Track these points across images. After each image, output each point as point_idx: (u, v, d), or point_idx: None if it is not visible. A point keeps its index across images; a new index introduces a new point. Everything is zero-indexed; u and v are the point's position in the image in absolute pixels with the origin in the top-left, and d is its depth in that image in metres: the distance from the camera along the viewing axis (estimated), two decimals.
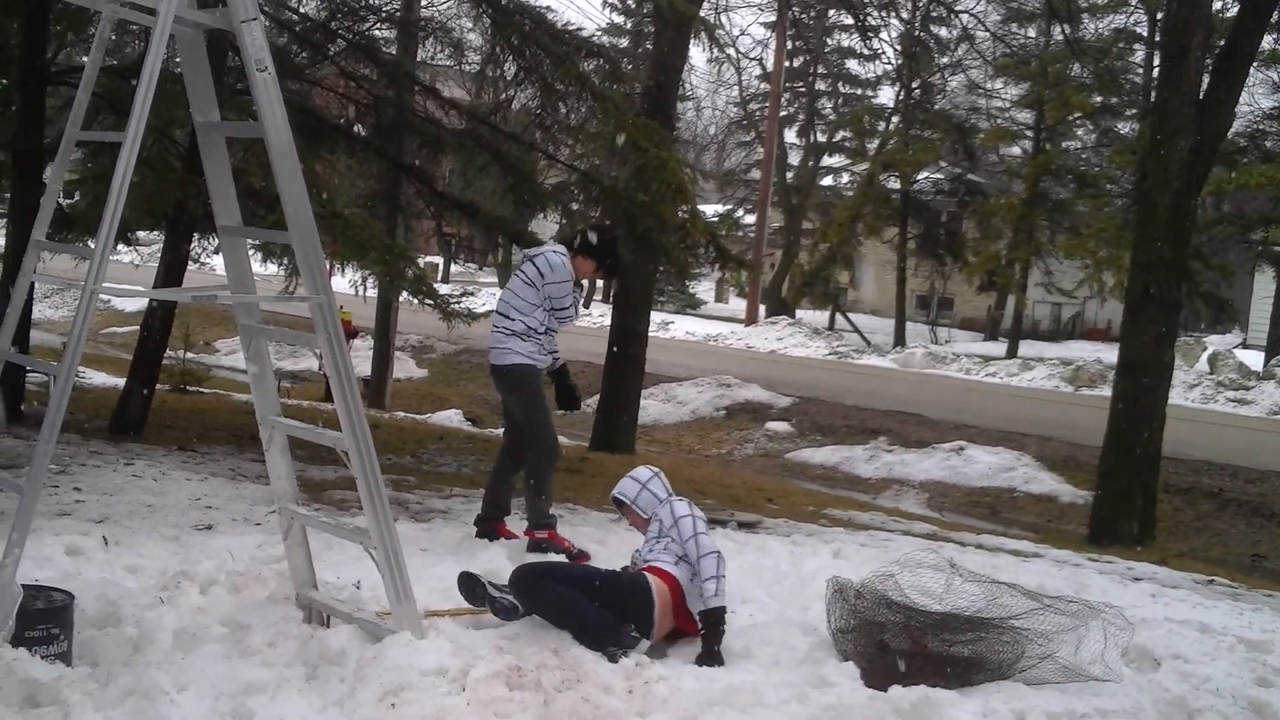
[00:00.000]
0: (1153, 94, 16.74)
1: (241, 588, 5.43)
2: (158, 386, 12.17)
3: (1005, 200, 36.69)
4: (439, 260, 47.47)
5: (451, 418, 19.01)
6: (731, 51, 33.58)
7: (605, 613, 5.28)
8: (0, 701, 4.02)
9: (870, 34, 26.59)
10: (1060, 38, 26.04)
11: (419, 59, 17.64)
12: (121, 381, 12.37)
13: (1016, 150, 39.46)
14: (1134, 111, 32.01)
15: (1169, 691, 5.19)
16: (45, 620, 4.38)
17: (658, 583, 5.50)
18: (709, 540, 5.62)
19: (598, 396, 16.37)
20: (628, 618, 5.34)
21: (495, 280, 49.10)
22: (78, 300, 4.19)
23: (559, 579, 5.41)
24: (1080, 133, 37.26)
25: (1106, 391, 15.76)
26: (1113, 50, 28.65)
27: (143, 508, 7.52)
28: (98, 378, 16.16)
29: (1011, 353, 36.13)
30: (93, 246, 4.21)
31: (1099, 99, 31.62)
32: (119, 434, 10.65)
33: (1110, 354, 21.19)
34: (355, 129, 14.09)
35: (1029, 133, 37.94)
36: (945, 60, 35.80)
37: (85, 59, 6.57)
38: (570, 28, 12.18)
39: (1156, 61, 19.78)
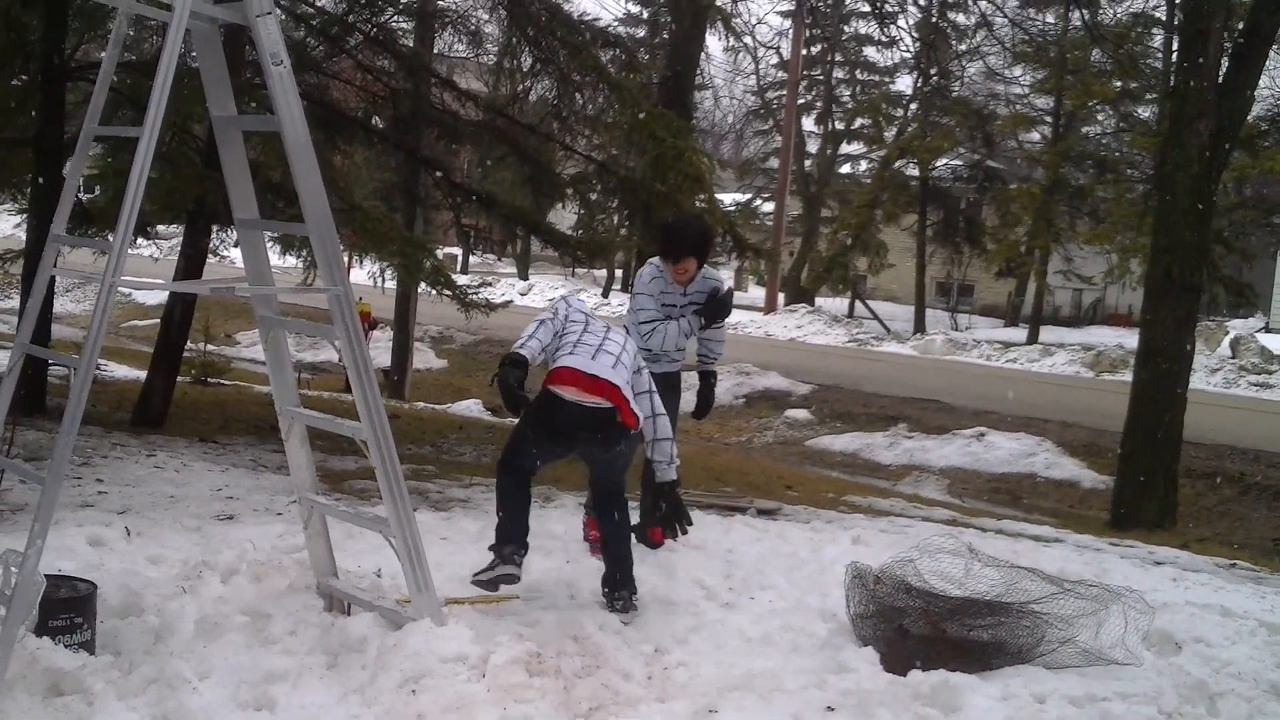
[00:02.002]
0: (1172, 78, 16.64)
1: (263, 577, 5.47)
2: (179, 379, 12.23)
3: (1025, 187, 36.52)
4: (457, 251, 47.44)
5: (471, 408, 19.03)
6: (749, 40, 33.49)
7: (514, 521, 5.57)
8: (24, 690, 4.06)
9: (888, 21, 26.54)
10: (1079, 23, 25.88)
11: (436, 51, 17.66)
12: (143, 374, 12.43)
13: (1036, 136, 39.26)
14: (1154, 96, 31.80)
15: (1190, 675, 5.18)
16: (68, 609, 4.42)
17: (550, 385, 5.61)
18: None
19: None
20: (577, 430, 5.59)
21: (514, 271, 49.08)
22: (98, 294, 4.21)
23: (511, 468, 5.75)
24: (1100, 117, 37.04)
25: (1128, 377, 15.70)
26: (1131, 35, 28.41)
27: (165, 499, 7.57)
28: (119, 370, 16.23)
29: (1032, 339, 35.98)
30: (112, 240, 4.24)
31: (1119, 84, 31.44)
32: (141, 426, 10.71)
33: (1132, 339, 21.05)
34: (373, 121, 14.13)
35: (1048, 119, 37.73)
36: (963, 47, 35.64)
37: (103, 54, 6.61)
38: (586, 18, 12.25)
39: (1176, 45, 19.63)
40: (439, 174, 13.79)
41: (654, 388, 6.04)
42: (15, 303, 18.37)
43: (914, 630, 5.30)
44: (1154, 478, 12.09)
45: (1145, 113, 33.93)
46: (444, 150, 14.90)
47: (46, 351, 5.75)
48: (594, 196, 14.13)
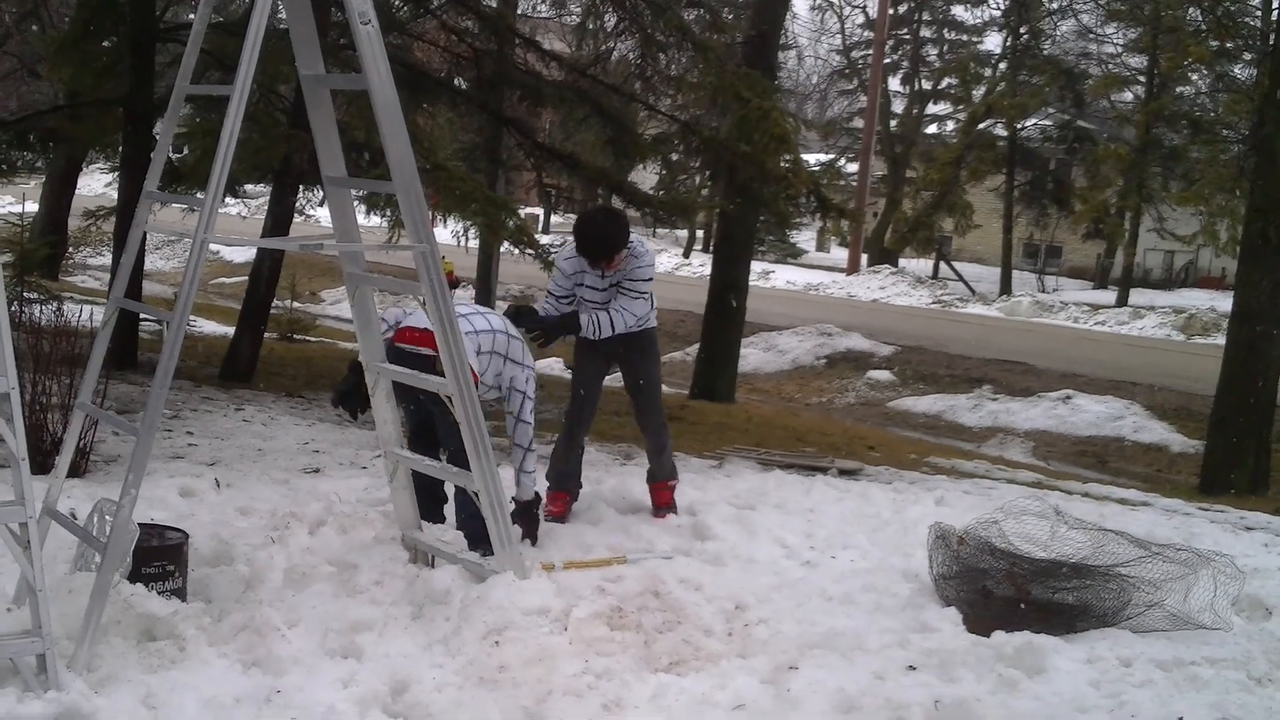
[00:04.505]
0: (1271, 37, 16.17)
1: (349, 529, 5.55)
2: (266, 335, 12.42)
3: (1115, 148, 35.77)
4: (539, 211, 47.54)
5: (552, 366, 19.11)
6: None
7: None
8: (119, 634, 4.17)
9: None
10: None
11: (520, 11, 17.67)
12: (231, 330, 12.64)
13: (1128, 96, 38.40)
14: (1251, 55, 30.95)
15: None
16: (161, 557, 4.53)
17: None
18: None
19: (698, 345, 16.39)
20: None
21: None
22: (188, 251, 4.28)
23: None
24: (1195, 78, 36.14)
25: (1220, 340, 15.37)
26: None
27: (253, 451, 7.71)
28: (208, 326, 16.51)
29: (1122, 301, 35.34)
30: (203, 197, 4.30)
31: (1215, 44, 30.63)
32: (229, 381, 10.91)
33: (1225, 302, 20.63)
34: (456, 82, 14.17)
35: (1141, 78, 36.89)
36: (1054, 4, 34.92)
37: (193, 16, 6.72)
38: None
39: (1276, 3, 19.07)
40: (522, 134, 13.82)
41: (531, 392, 5.97)
42: (108, 259, 18.75)
43: (998, 592, 5.26)
44: (1245, 443, 11.87)
45: (1242, 72, 33.06)
46: (527, 111, 14.90)
47: (140, 306, 5.87)
48: (676, 157, 14.08)
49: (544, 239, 13.52)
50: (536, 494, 6.11)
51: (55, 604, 4.02)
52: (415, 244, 4.80)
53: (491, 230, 11.19)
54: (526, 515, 5.98)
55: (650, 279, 6.59)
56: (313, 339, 17.04)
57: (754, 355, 21.55)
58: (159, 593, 4.42)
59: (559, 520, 6.53)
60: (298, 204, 12.23)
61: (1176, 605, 5.21)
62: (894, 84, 47.18)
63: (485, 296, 21.15)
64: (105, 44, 11.58)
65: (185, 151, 11.25)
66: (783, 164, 11.79)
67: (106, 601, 4.08)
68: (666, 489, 6.95)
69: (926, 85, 46.65)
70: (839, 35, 45.53)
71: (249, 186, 13.41)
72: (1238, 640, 5.09)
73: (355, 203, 5.52)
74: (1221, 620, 5.20)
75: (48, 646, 3.76)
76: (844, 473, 9.18)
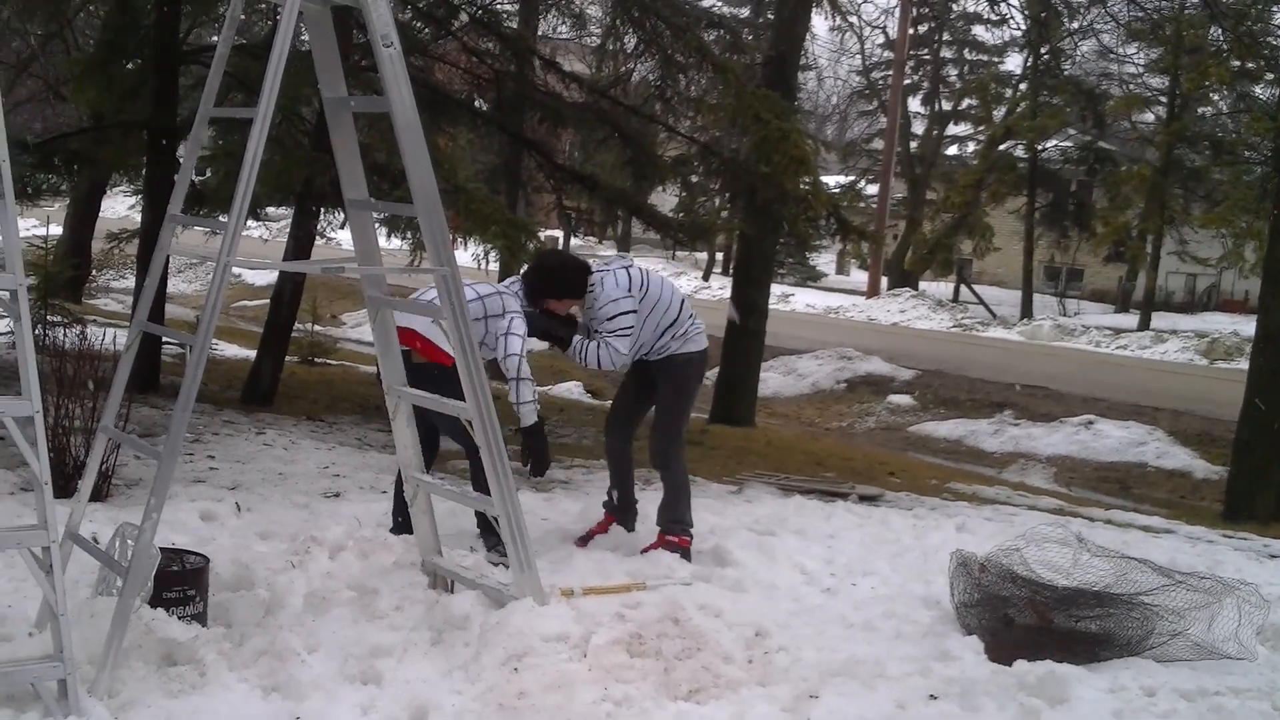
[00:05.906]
0: None
1: (369, 553, 5.54)
2: (287, 358, 12.45)
3: (1137, 169, 35.68)
4: (559, 233, 47.60)
5: (572, 389, 19.13)
6: (855, 19, 33.15)
7: None
8: (140, 659, 4.17)
9: None
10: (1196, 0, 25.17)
11: (540, 33, 17.74)
12: (252, 353, 12.68)
13: (1149, 117, 38.31)
14: (1273, 75, 30.84)
15: None
16: (182, 582, 4.54)
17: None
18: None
19: (717, 369, 16.37)
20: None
21: (615, 253, 49.11)
22: (211, 274, 4.29)
23: None
24: (1216, 98, 36.02)
25: (1243, 364, 15.29)
26: (1252, 12, 27.56)
27: (273, 475, 7.72)
28: (230, 349, 16.56)
29: (1144, 325, 35.19)
30: (225, 221, 4.32)
31: (1236, 64, 30.55)
32: (250, 404, 10.93)
33: (1248, 326, 20.52)
34: (477, 104, 14.23)
35: (1162, 99, 36.80)
36: (1075, 24, 34.81)
37: (216, 38, 6.78)
38: None
39: None
40: (541, 156, 13.86)
41: (516, 330, 5.95)
42: (131, 282, 18.86)
43: (1020, 620, 5.22)
44: (1270, 468, 11.77)
45: (1263, 92, 32.96)
46: (547, 132, 14.94)
47: (164, 329, 5.88)
48: (695, 179, 14.10)
49: None
50: (540, 419, 6.04)
51: (77, 628, 4.02)
52: (436, 267, 4.81)
53: (512, 252, 11.22)
54: (530, 441, 6.04)
55: (615, 315, 6.22)
56: (334, 362, 17.07)
57: (774, 379, 21.51)
58: (180, 617, 4.42)
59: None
60: (319, 226, 12.27)
61: (1200, 634, 5.17)
62: (914, 105, 47.27)
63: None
64: (129, 67, 11.66)
65: (208, 174, 11.32)
66: (802, 185, 11.81)
67: (128, 626, 4.08)
68: (662, 540, 6.46)
69: (947, 106, 46.69)
70: (859, 56, 45.56)
71: (271, 209, 13.47)
72: (1262, 670, 5.04)
73: (376, 225, 5.53)
74: (1246, 650, 5.15)
75: (69, 671, 3.77)
76: (864, 498, 9.15)
